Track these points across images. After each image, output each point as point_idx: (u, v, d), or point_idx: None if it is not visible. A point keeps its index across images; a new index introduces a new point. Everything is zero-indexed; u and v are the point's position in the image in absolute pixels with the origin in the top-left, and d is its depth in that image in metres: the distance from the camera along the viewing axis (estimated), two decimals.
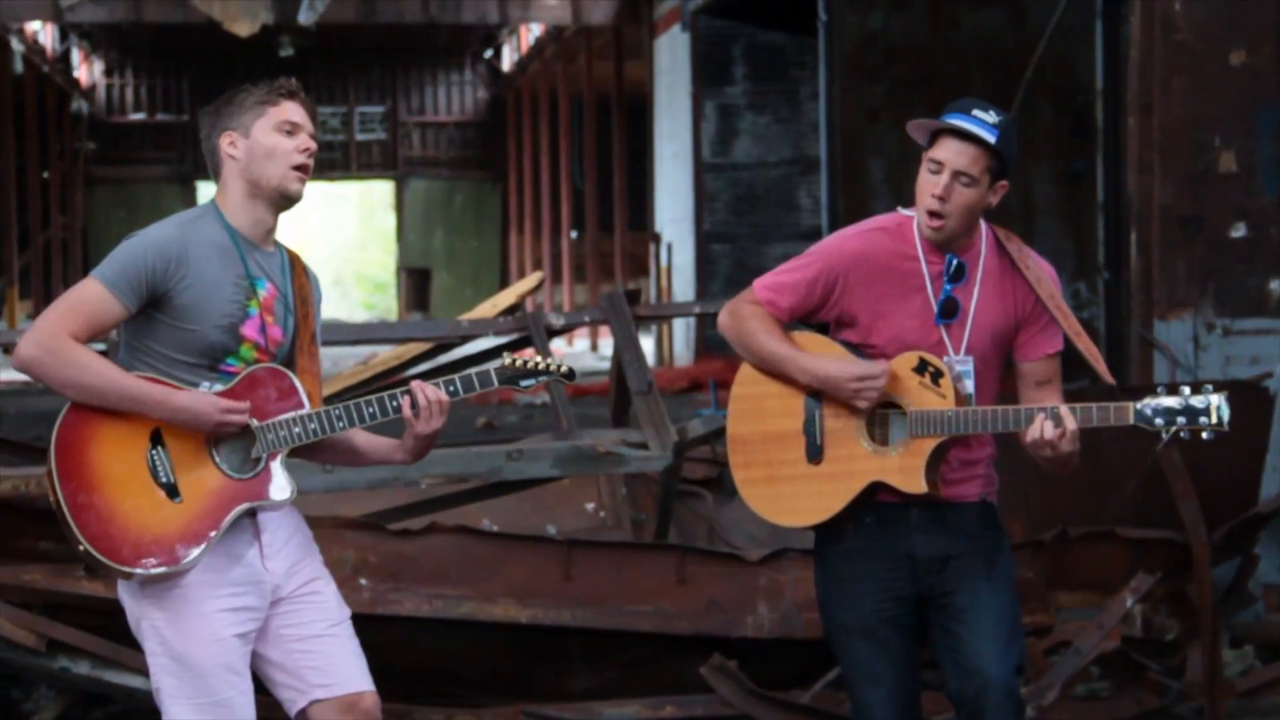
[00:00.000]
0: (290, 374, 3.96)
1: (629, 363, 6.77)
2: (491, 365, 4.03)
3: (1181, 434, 3.97)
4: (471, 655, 6.18)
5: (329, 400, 4.12)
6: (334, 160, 43.19)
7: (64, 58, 38.77)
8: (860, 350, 4.17)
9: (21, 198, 33.02)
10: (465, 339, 7.33)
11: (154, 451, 3.81)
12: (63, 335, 3.77)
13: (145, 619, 3.86)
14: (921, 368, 4.10)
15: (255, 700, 3.91)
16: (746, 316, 4.22)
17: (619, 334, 6.91)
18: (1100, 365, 4.27)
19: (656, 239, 26.26)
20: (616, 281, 29.46)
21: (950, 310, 4.16)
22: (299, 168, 3.94)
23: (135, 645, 4.03)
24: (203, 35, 33.52)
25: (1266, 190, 8.12)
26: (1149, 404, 3.97)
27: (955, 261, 4.16)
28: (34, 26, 33.19)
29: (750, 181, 23.64)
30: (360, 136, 44.48)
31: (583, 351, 30.76)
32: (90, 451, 3.78)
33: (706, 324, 21.96)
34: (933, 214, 4.11)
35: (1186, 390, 3.97)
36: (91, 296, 3.81)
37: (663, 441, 6.30)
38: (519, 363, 4.02)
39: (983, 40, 15.07)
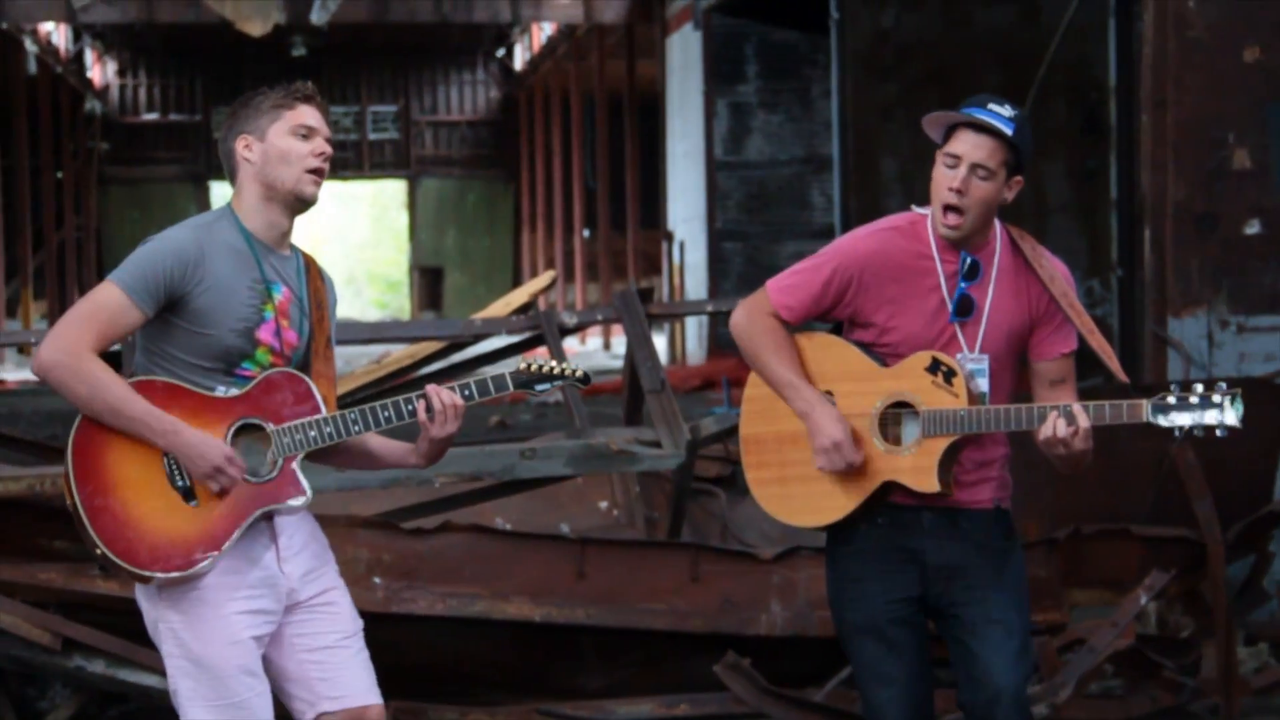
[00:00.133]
0: (306, 378, 3.96)
1: (642, 361, 6.78)
2: (507, 370, 4.03)
3: (1195, 432, 3.97)
4: (485, 654, 6.18)
5: (342, 400, 4.13)
6: (346, 160, 43.24)
7: (77, 58, 38.84)
8: (873, 349, 4.17)
9: (35, 198, 33.08)
10: (478, 338, 7.34)
11: (170, 455, 3.82)
12: (82, 348, 3.78)
13: (163, 621, 3.87)
14: (934, 367, 4.09)
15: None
16: (760, 331, 4.20)
17: (632, 332, 6.92)
18: (1113, 363, 4.27)
19: (669, 237, 26.27)
20: (629, 280, 29.45)
21: (965, 308, 4.15)
22: (314, 171, 3.94)
23: (150, 644, 4.04)
24: (215, 35, 33.60)
25: None
26: (1162, 401, 3.96)
27: (970, 259, 4.16)
28: (47, 27, 33.27)
29: (763, 180, 23.64)
30: (373, 136, 44.53)
31: (595, 350, 30.78)
32: (107, 455, 3.79)
33: (719, 322, 21.96)
34: (950, 208, 4.10)
35: (1200, 388, 3.97)
36: (110, 302, 3.82)
37: (676, 440, 6.30)
38: (534, 367, 4.02)
39: (996, 38, 15.03)
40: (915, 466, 4.08)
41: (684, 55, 25.12)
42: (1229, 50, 8.10)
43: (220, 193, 41.04)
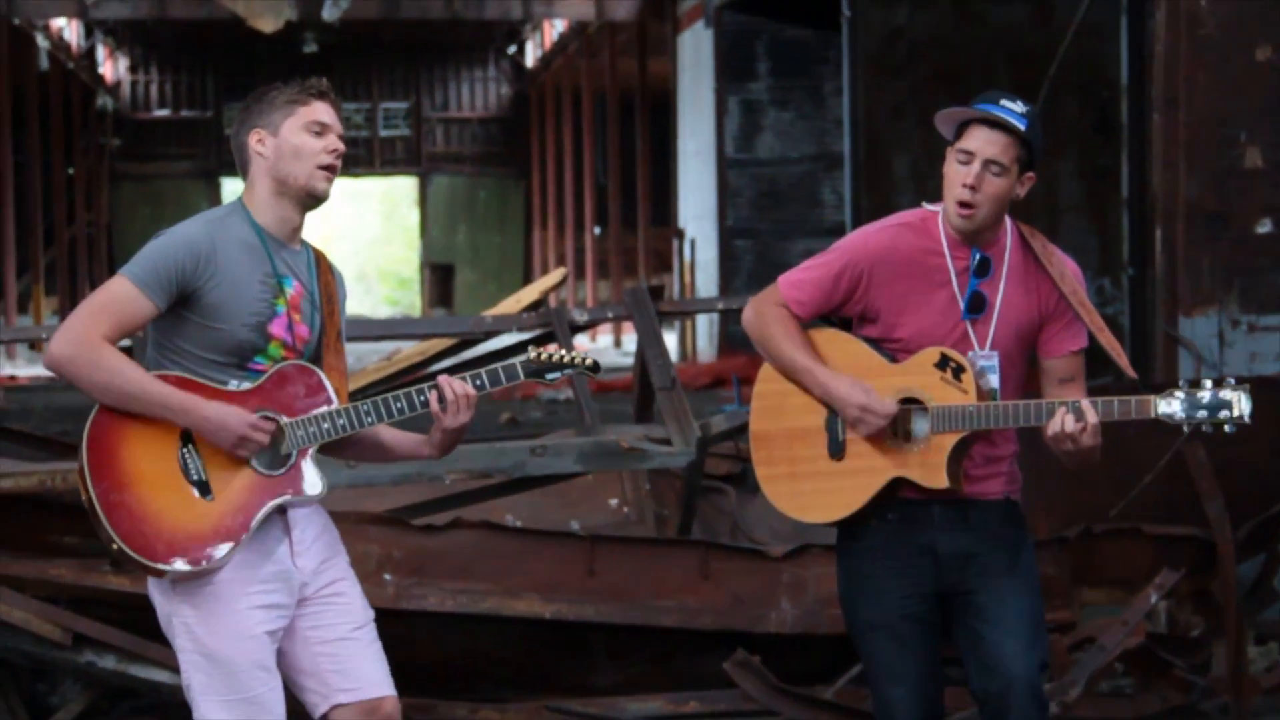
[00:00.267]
0: (318, 371, 3.97)
1: (652, 358, 6.78)
2: (518, 359, 4.04)
3: (1204, 428, 3.97)
4: (495, 650, 6.19)
5: (354, 396, 4.14)
6: (358, 156, 43.27)
7: (89, 54, 38.91)
8: (883, 345, 4.17)
9: (47, 194, 33.16)
10: (489, 335, 7.34)
11: (185, 449, 3.83)
12: (95, 337, 3.79)
13: (176, 616, 3.87)
14: (943, 363, 4.10)
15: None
16: (770, 320, 4.22)
17: (642, 330, 6.92)
18: (1123, 360, 4.27)
19: (680, 235, 26.29)
20: (640, 277, 29.47)
21: (977, 305, 4.16)
22: (326, 168, 3.95)
23: (161, 640, 4.05)
24: (227, 31, 33.62)
25: None
26: (1171, 397, 3.97)
27: (980, 256, 4.16)
28: (59, 23, 33.34)
29: (773, 177, 23.65)
30: (384, 132, 44.58)
31: (606, 347, 30.79)
32: (122, 449, 3.80)
33: (730, 320, 21.97)
34: (963, 204, 4.10)
35: (1209, 384, 3.97)
36: (122, 295, 3.82)
37: (686, 437, 6.30)
38: (544, 356, 4.03)
39: (1007, 36, 15.01)
40: (924, 462, 4.08)
41: (695, 53, 25.13)
42: (1241, 49, 8.10)
43: (231, 189, 41.11)
